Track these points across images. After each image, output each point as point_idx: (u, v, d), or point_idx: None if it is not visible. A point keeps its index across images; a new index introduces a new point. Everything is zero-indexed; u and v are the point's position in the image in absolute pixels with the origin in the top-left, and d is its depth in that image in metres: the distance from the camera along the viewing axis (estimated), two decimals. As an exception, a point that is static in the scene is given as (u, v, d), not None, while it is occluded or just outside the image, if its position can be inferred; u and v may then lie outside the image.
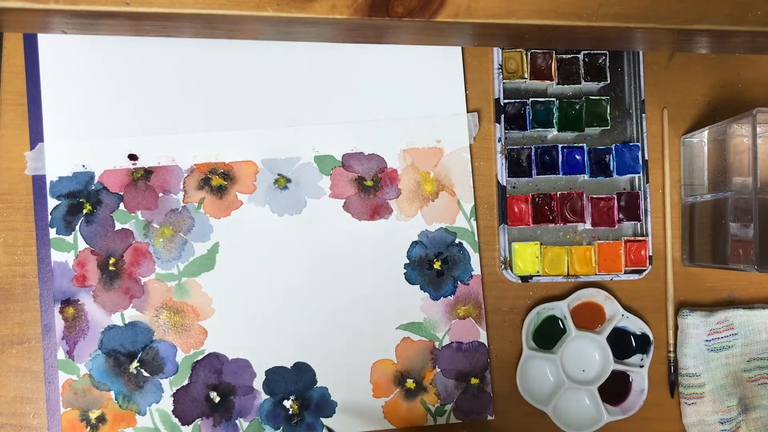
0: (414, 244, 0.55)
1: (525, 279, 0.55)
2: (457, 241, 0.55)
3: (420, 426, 0.54)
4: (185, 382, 0.53)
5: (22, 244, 0.53)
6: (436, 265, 0.55)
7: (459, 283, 0.55)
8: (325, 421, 0.53)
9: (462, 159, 0.55)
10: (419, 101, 0.55)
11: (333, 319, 0.54)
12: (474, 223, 0.55)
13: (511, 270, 0.54)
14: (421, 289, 0.55)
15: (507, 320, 0.56)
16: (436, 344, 0.55)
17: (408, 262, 0.55)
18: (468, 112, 0.55)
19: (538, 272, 0.54)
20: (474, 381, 0.55)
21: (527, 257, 0.54)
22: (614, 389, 0.55)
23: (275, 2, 0.46)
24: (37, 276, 0.53)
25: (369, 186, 0.55)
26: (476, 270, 0.55)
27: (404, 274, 0.55)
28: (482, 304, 0.55)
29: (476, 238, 0.55)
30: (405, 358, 0.54)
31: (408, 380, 0.54)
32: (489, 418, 0.55)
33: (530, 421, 0.55)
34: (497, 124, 0.55)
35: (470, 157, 0.55)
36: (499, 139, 0.55)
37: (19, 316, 0.53)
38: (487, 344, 0.55)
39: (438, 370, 0.55)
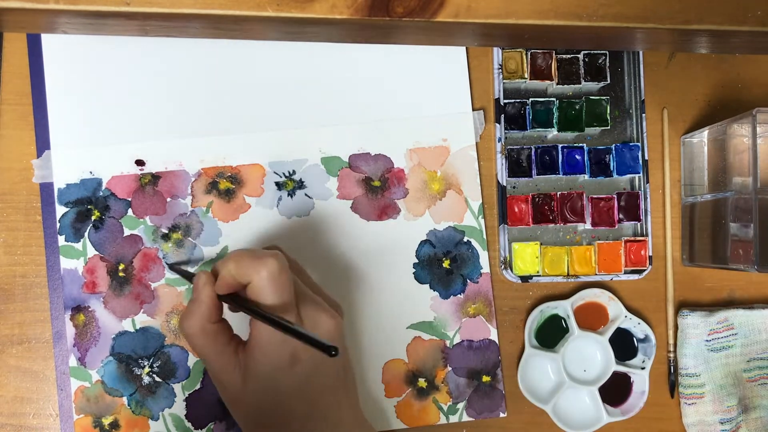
0: (422, 243, 0.55)
1: (525, 279, 0.55)
2: (465, 239, 0.55)
3: (432, 425, 0.54)
4: (197, 387, 0.53)
5: (22, 244, 0.53)
6: (445, 264, 0.55)
7: (468, 281, 0.55)
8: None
9: (468, 157, 0.55)
10: (424, 100, 0.55)
11: (343, 320, 0.54)
12: (482, 221, 0.55)
13: (511, 270, 0.54)
14: (430, 288, 0.55)
15: (507, 320, 0.56)
16: (447, 343, 0.55)
17: (417, 261, 0.55)
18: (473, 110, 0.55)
19: (538, 272, 0.54)
20: (486, 379, 0.55)
21: (527, 257, 0.54)
22: (615, 390, 0.55)
23: (275, 2, 0.46)
24: (37, 276, 0.52)
25: (376, 186, 0.55)
26: (485, 268, 0.55)
27: (413, 273, 0.55)
28: (492, 301, 0.55)
29: (484, 236, 0.55)
30: (416, 358, 0.54)
31: (420, 379, 0.54)
32: (501, 415, 0.55)
33: (529, 421, 0.55)
34: (497, 124, 0.55)
35: (476, 155, 0.55)
36: (499, 139, 0.55)
37: (19, 316, 0.52)
38: (497, 342, 0.55)
39: (449, 368, 0.54)
